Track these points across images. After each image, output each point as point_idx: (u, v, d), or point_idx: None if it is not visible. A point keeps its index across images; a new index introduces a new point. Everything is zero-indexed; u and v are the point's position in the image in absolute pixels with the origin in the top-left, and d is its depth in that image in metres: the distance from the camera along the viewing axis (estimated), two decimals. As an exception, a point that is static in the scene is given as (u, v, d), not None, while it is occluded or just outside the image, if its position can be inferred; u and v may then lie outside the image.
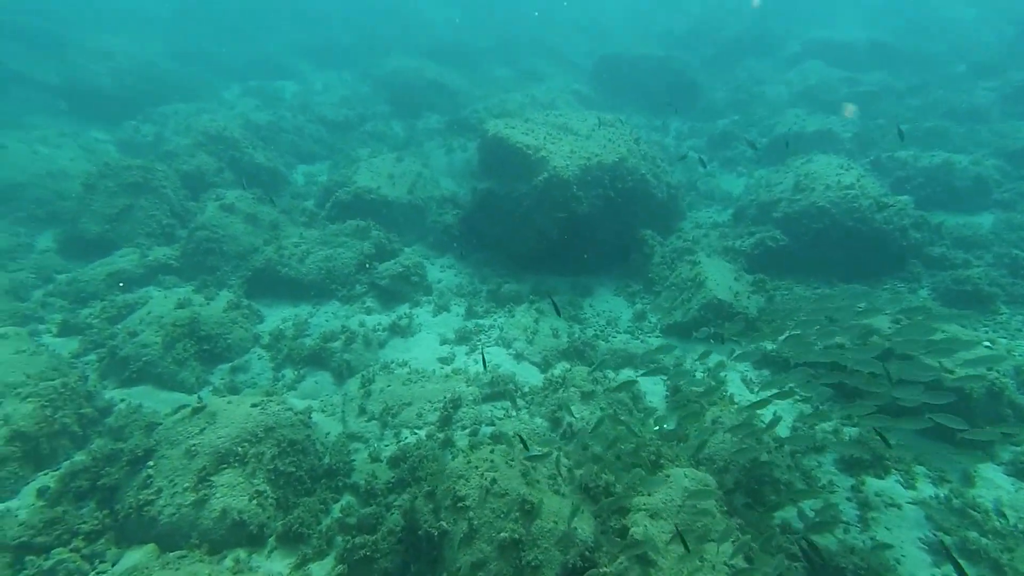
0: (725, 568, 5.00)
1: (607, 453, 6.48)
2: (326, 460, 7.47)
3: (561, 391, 8.99)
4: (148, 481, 6.56)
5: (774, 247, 13.00)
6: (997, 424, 7.41)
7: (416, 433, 8.25)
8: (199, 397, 8.48)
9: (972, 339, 8.37)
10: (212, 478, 6.56)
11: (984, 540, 6.04)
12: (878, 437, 6.47)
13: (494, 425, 8.45)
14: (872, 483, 7.10)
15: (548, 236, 12.93)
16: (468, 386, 9.17)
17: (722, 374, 9.76)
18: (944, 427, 5.95)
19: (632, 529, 5.34)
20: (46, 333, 10.58)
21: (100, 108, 21.39)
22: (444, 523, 5.54)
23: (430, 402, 8.78)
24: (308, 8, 37.78)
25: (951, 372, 7.47)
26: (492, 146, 13.63)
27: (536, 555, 5.12)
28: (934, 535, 6.21)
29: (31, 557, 6.02)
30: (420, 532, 5.69)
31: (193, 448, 6.70)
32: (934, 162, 14.63)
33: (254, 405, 7.21)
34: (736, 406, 8.32)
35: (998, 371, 7.55)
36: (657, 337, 11.34)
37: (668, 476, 5.98)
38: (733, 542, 5.19)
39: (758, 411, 7.25)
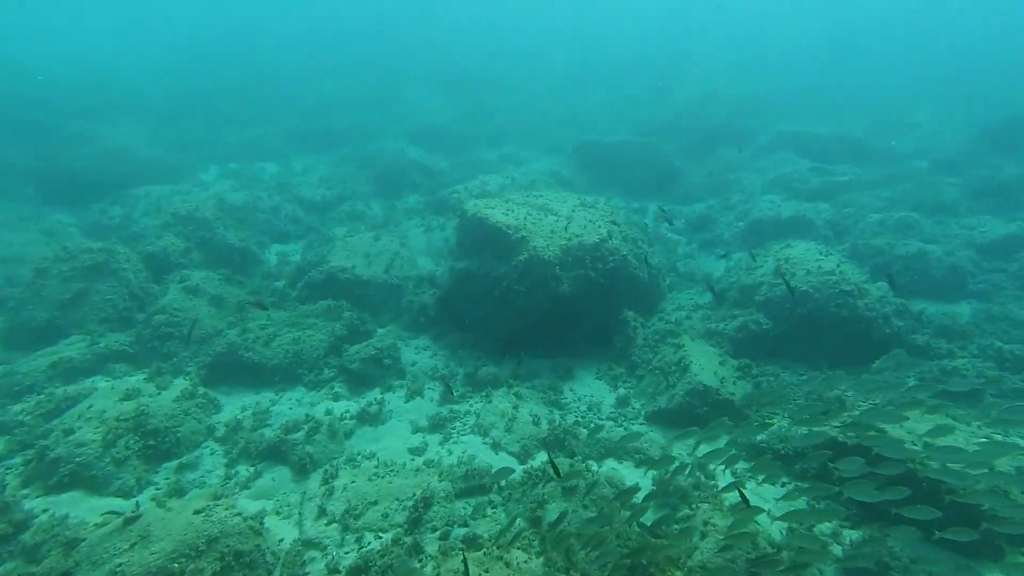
0: None
1: (592, 559, 5.91)
2: (276, 575, 6.69)
3: (541, 486, 8.42)
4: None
5: (758, 331, 12.93)
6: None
7: (381, 537, 7.53)
8: (136, 503, 7.68)
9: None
10: (139, 607, 5.75)
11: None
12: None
13: (467, 527, 7.78)
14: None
15: (528, 317, 12.75)
16: (441, 481, 8.55)
17: (713, 467, 9.31)
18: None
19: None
20: (-33, 434, 9.71)
21: (70, 192, 21.39)
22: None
23: (398, 500, 8.12)
24: (306, 95, 39.41)
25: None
26: (471, 226, 13.67)
27: None
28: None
29: None
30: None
31: (119, 569, 5.90)
32: (910, 251, 15.06)
33: (197, 512, 6.51)
34: (728, 506, 7.83)
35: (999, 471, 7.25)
36: (641, 424, 10.94)
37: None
38: None
39: (753, 515, 6.76)
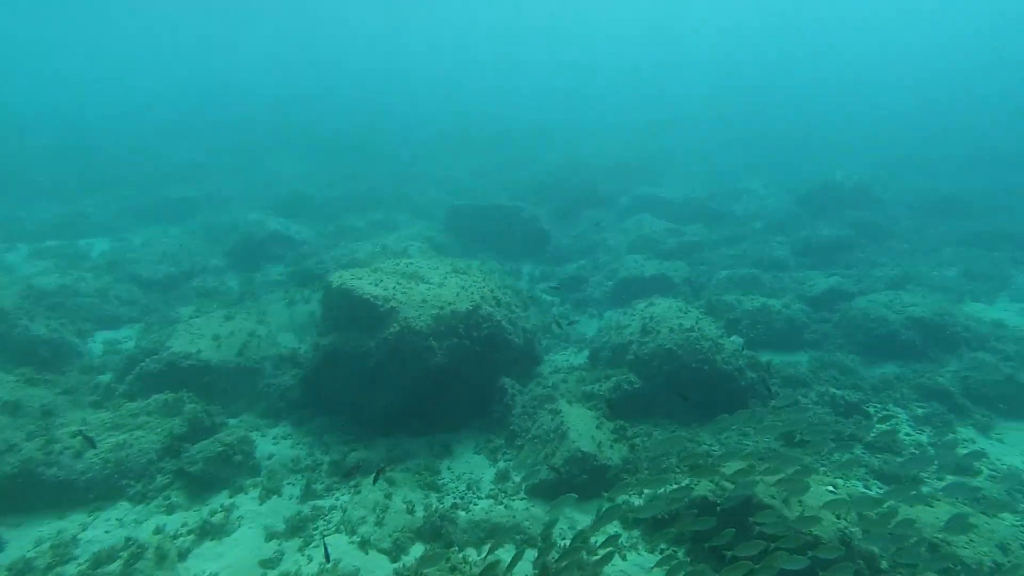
0: None
1: None
2: None
3: (414, 591, 7.57)
4: None
5: (630, 390, 13.23)
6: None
7: None
8: None
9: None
10: None
11: None
12: None
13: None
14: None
15: (401, 393, 12.03)
16: (295, 601, 7.39)
17: (594, 540, 9.03)
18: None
19: None
20: None
21: None
22: None
23: (240, 635, 6.83)
24: (146, 163, 36.23)
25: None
26: (337, 298, 12.84)
27: None
28: None
29: None
30: None
31: None
32: (755, 305, 16.52)
33: None
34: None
35: (846, 518, 7.70)
36: (522, 499, 10.48)
37: None
38: None
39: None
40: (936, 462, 10.62)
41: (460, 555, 8.42)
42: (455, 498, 10.44)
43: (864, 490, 9.90)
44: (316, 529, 9.27)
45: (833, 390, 12.87)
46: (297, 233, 23.14)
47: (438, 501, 10.20)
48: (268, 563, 8.43)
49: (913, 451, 10.92)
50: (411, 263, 15.35)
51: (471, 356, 12.80)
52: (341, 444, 11.51)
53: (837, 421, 11.61)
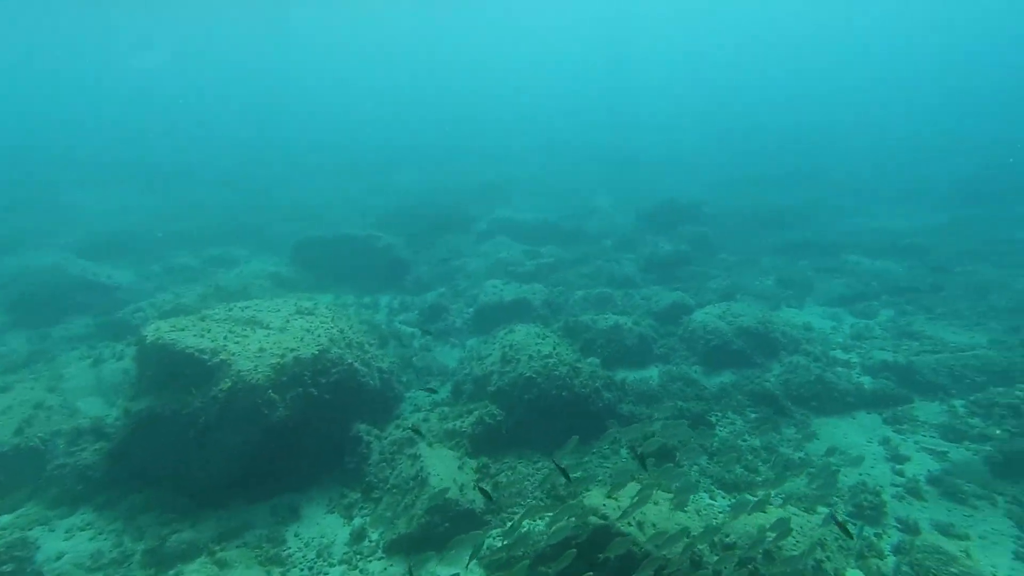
0: None
1: None
2: None
3: None
4: None
5: (492, 423, 12.93)
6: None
7: None
8: None
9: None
10: None
11: None
12: None
13: None
14: None
15: (236, 456, 10.59)
16: None
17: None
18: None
19: None
20: None
21: None
22: None
23: None
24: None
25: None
26: (153, 355, 11.08)
27: None
28: None
29: None
30: None
31: None
32: (608, 324, 17.17)
33: None
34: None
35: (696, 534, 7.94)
36: (380, 559, 9.63)
37: None
38: None
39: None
40: (767, 464, 11.58)
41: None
42: (302, 570, 9.33)
43: (710, 502, 10.43)
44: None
45: (680, 403, 13.63)
46: (110, 278, 19.92)
47: (282, 578, 9.02)
48: None
49: (748, 457, 11.80)
50: (248, 306, 13.82)
51: (320, 405, 11.72)
52: (159, 525, 9.80)
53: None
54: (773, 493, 10.50)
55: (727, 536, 8.77)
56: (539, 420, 13.01)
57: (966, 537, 9.53)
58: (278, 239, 26.90)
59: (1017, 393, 13.60)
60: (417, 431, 11.60)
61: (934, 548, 8.62)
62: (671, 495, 9.80)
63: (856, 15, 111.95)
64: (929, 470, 11.34)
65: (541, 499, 11.03)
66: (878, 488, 10.74)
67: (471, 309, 20.89)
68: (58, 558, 8.97)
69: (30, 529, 9.28)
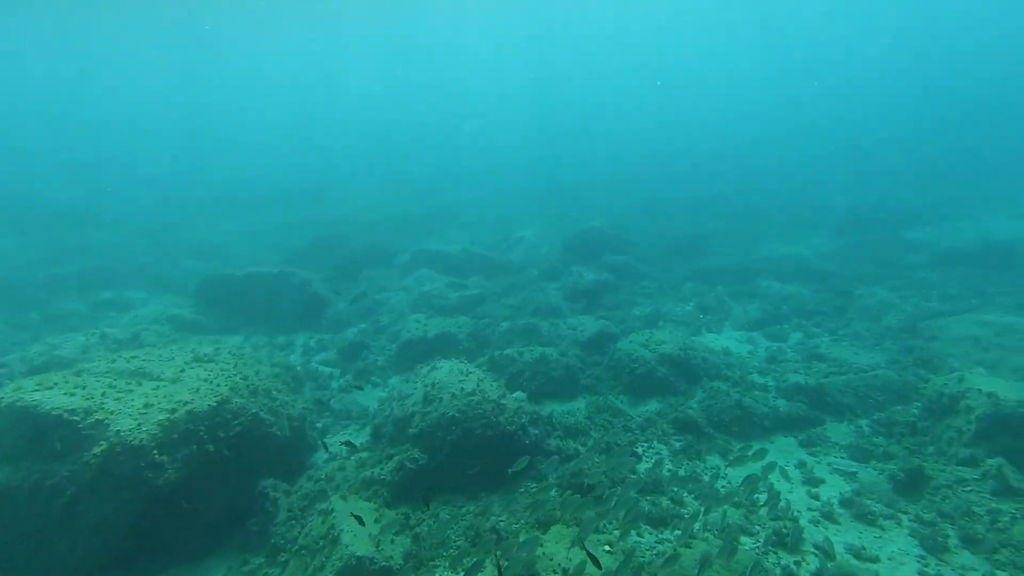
0: None
1: None
2: None
3: None
4: None
5: (415, 468, 12.26)
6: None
7: None
8: None
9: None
10: None
11: None
12: None
13: None
14: None
15: (113, 529, 9.34)
16: None
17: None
18: None
19: None
20: None
21: None
22: None
23: None
24: None
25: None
26: (10, 419, 9.68)
27: None
28: None
29: None
30: None
31: None
32: (534, 356, 16.95)
33: None
34: None
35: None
36: (286, 636, 8.70)
37: None
38: None
39: None
40: (692, 496, 11.57)
41: None
42: (192, 659, 8.24)
43: (638, 538, 10.23)
44: None
45: (607, 437, 13.50)
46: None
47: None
48: None
49: (674, 488, 11.76)
50: (136, 356, 12.53)
51: (218, 463, 10.68)
52: (15, 623, 8.41)
53: (612, 467, 12.05)
54: (697, 527, 10.44)
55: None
56: (464, 461, 12.48)
57: (876, 559, 9.80)
58: (181, 279, 25.00)
59: (913, 411, 14.51)
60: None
61: (848, 574, 8.77)
62: (604, 532, 9.54)
63: (774, 56, 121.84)
64: (841, 492, 11.72)
65: (465, 547, 10.43)
66: (796, 514, 10.96)
67: (394, 345, 20.14)
68: None
69: None
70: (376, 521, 10.53)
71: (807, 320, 22.37)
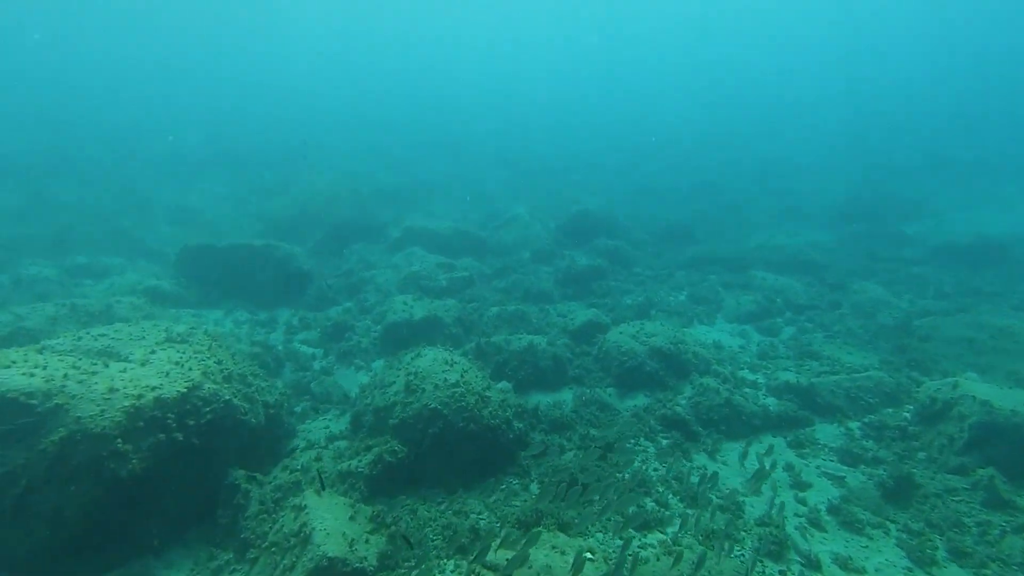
0: None
1: None
2: None
3: None
4: None
5: (394, 462, 11.89)
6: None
7: None
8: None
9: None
10: None
11: None
12: None
13: None
14: None
15: (69, 522, 8.88)
16: None
17: None
18: None
19: None
20: None
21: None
22: None
23: None
24: None
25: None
26: (-39, 400, 9.11)
27: None
28: None
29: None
30: None
31: None
32: (522, 345, 16.53)
33: None
34: None
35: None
36: (252, 636, 8.36)
37: None
38: None
39: None
40: (677, 497, 11.30)
41: None
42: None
43: (619, 541, 9.93)
44: None
45: (593, 431, 13.18)
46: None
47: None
48: None
49: (659, 488, 11.48)
50: (105, 333, 11.95)
51: (188, 452, 10.20)
52: (-34, 616, 8.00)
53: (599, 467, 11.75)
54: (681, 531, 10.19)
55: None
56: (445, 455, 12.13)
57: (863, 571, 9.60)
58: (159, 247, 24.15)
59: (904, 415, 14.31)
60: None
61: (836, 591, 8.55)
62: (576, 538, 9.23)
63: (754, 41, 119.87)
64: (829, 498, 11.49)
65: (441, 549, 10.12)
66: (782, 519, 10.72)
67: (379, 327, 19.64)
68: None
69: None
70: (351, 519, 10.16)
71: (800, 315, 22.11)
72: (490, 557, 8.98)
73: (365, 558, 9.40)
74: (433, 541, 10.26)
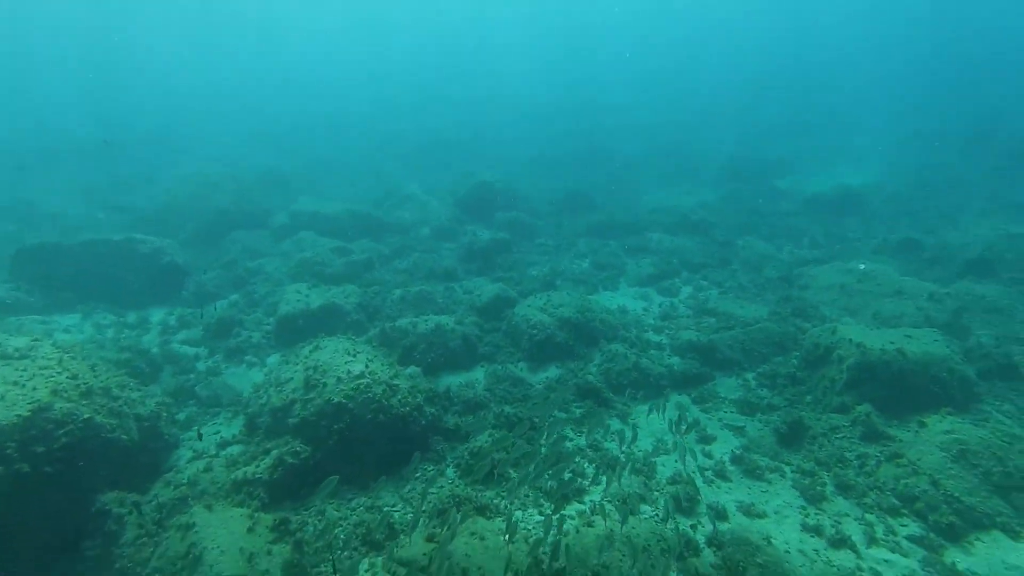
0: None
1: None
2: None
3: None
4: None
5: (297, 463, 11.01)
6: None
7: None
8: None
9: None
10: None
11: None
12: None
13: None
14: None
15: None
16: None
17: None
18: None
19: None
20: None
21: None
22: None
23: None
24: None
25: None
26: None
27: None
28: None
29: None
30: None
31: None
32: (428, 326, 15.93)
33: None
34: None
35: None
36: None
37: None
38: None
39: None
40: (593, 464, 11.40)
41: None
42: None
43: (539, 516, 9.84)
44: None
45: (507, 408, 12.98)
46: None
47: None
48: None
49: (576, 459, 11.53)
50: (-86, 354, 9.95)
51: (38, 484, 8.79)
52: None
53: (515, 446, 11.54)
54: (599, 498, 10.29)
55: (556, 560, 8.21)
56: (354, 451, 11.41)
57: (764, 515, 10.20)
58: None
59: (793, 362, 15.40)
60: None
61: (742, 540, 8.96)
62: (499, 520, 9.01)
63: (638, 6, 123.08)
64: (732, 449, 12.11)
65: (356, 549, 9.52)
66: (692, 475, 11.14)
67: (271, 319, 18.20)
68: None
69: None
70: (250, 531, 9.27)
71: (695, 273, 23.19)
72: (406, 552, 8.56)
73: (267, 571, 8.63)
74: (347, 542, 9.62)
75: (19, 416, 8.76)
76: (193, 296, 19.51)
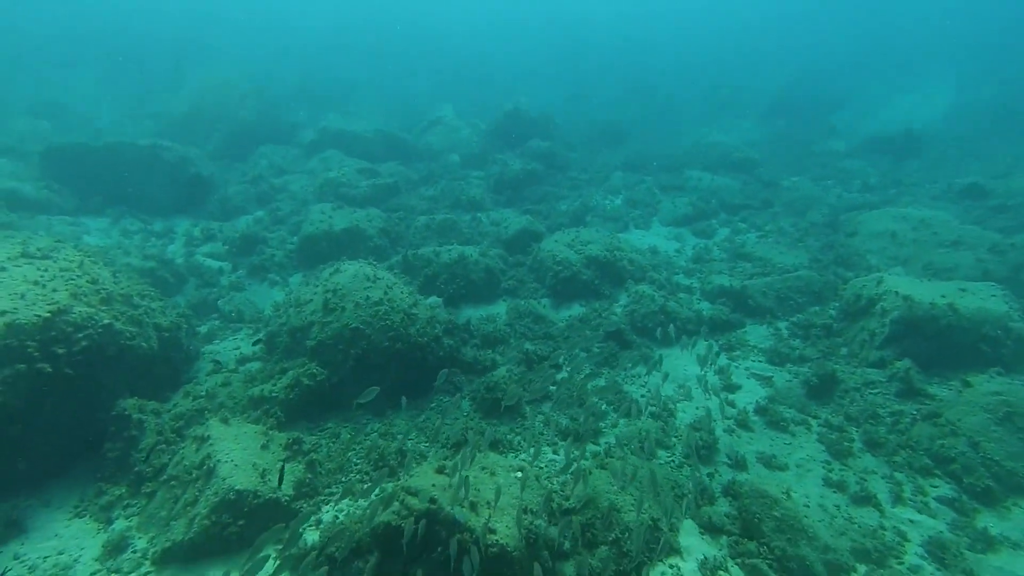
0: None
1: None
2: None
3: None
4: None
5: (312, 385, 11.01)
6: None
7: None
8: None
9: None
10: None
11: None
12: None
13: None
14: None
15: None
16: None
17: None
18: None
19: None
20: None
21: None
22: None
23: None
24: None
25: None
26: None
27: None
28: None
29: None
30: None
31: None
32: (452, 256, 15.54)
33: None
34: None
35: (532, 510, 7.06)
36: (148, 574, 7.63)
37: None
38: None
39: None
40: (610, 410, 11.16)
41: None
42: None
43: (553, 456, 9.73)
44: None
45: (528, 345, 12.71)
46: None
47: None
48: None
49: (594, 399, 11.30)
50: (-66, 249, 9.99)
51: (59, 384, 8.90)
52: None
53: (531, 382, 11.35)
54: (615, 441, 10.09)
55: (566, 500, 8.11)
56: (369, 376, 11.34)
57: (785, 467, 9.89)
58: (16, 144, 20.61)
59: (830, 312, 14.67)
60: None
61: (758, 493, 8.67)
62: (506, 458, 8.89)
63: None
64: (757, 399, 11.70)
65: (367, 473, 9.59)
66: (712, 423, 10.82)
67: (295, 239, 18.04)
68: None
69: None
70: (263, 448, 9.35)
71: (734, 215, 22.12)
72: (416, 481, 8.54)
73: (281, 488, 8.75)
74: (357, 466, 9.70)
75: (39, 316, 8.77)
76: (219, 208, 19.38)
